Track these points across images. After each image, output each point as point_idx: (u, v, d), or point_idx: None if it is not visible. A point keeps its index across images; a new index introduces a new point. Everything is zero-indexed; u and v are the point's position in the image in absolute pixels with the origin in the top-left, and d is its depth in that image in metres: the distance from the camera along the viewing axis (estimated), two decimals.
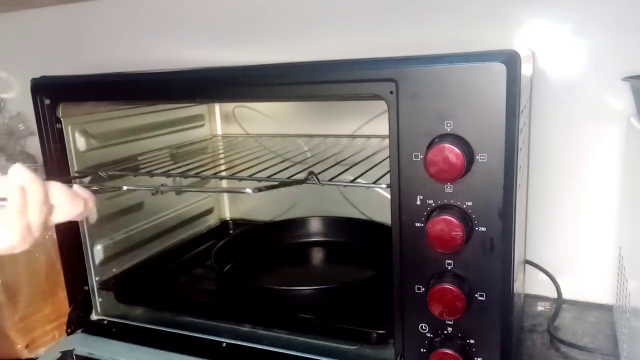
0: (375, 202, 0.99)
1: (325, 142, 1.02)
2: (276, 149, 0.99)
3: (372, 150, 0.89)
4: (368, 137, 1.01)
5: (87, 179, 0.81)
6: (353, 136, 1.03)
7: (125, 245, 0.91)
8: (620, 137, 0.82)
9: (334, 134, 1.04)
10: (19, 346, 0.88)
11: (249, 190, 0.65)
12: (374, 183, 0.68)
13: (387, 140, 0.57)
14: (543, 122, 0.85)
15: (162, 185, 0.79)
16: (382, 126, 0.61)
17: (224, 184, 1.12)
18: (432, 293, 0.56)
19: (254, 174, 0.79)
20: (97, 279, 0.85)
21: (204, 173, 0.82)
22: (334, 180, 0.72)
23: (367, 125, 1.02)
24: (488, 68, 0.51)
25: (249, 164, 0.85)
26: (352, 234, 0.99)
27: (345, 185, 0.72)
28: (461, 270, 0.56)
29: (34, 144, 1.31)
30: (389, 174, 0.58)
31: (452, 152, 0.51)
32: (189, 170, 0.84)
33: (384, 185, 0.62)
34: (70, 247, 0.82)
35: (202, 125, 1.14)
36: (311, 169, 0.71)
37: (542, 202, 0.88)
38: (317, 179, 0.68)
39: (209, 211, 1.14)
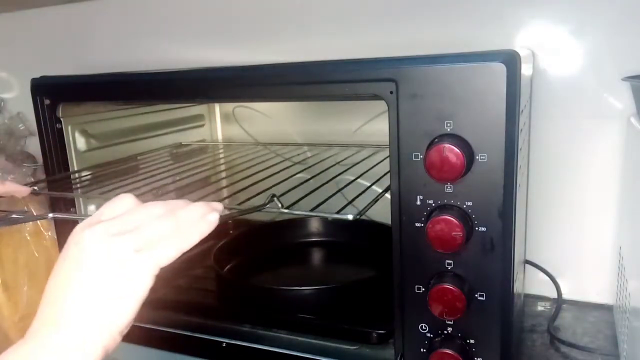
0: (375, 203, 0.99)
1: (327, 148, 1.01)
2: (275, 148, 0.99)
3: (368, 153, 0.89)
4: (364, 146, 0.99)
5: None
6: (347, 145, 1.01)
7: None
8: (620, 137, 0.82)
9: (334, 134, 1.04)
10: None
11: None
12: (340, 210, 0.64)
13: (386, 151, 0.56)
14: (543, 122, 0.85)
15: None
16: (382, 126, 0.61)
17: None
18: (432, 293, 0.56)
19: (253, 174, 0.79)
20: None
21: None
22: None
23: (367, 125, 1.02)
24: (488, 68, 0.51)
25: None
26: (352, 234, 0.99)
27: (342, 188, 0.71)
28: (461, 270, 0.56)
29: (34, 144, 1.31)
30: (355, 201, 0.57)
31: (452, 152, 0.51)
32: (187, 170, 0.84)
33: (350, 216, 0.59)
34: None
35: (202, 125, 1.14)
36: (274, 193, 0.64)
37: (542, 202, 0.88)
38: (280, 203, 0.61)
39: None
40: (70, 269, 0.42)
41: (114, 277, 0.41)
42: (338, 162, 0.84)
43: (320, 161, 0.88)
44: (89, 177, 0.82)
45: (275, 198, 0.61)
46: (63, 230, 0.82)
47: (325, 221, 1.03)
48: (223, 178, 0.88)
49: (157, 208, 0.45)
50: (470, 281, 0.56)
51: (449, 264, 0.56)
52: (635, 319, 0.62)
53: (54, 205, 0.81)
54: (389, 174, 0.57)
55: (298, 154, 0.96)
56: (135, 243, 0.42)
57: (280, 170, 0.82)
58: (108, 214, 0.45)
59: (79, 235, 0.43)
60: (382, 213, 0.76)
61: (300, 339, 0.71)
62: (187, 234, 0.44)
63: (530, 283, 0.91)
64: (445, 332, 0.58)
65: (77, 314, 0.41)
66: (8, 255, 0.92)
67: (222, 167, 0.94)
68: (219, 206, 0.47)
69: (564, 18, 0.83)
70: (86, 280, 0.41)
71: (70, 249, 0.43)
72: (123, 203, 0.46)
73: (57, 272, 0.43)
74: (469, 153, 0.52)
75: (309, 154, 0.96)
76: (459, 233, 0.53)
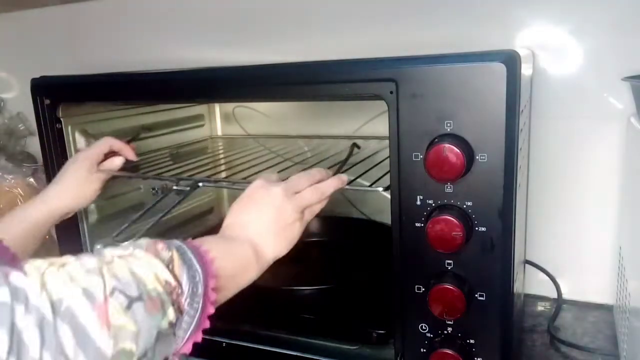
0: (375, 202, 0.99)
1: (325, 142, 1.02)
2: (276, 149, 0.99)
3: (372, 150, 0.89)
4: (367, 138, 1.01)
5: None
6: (352, 137, 1.02)
7: None
8: (620, 137, 0.82)
9: (334, 134, 1.04)
10: None
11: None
12: (370, 185, 0.67)
13: (386, 141, 0.57)
14: (543, 122, 0.85)
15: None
16: (382, 126, 0.61)
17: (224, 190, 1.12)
18: (432, 293, 0.56)
19: (253, 174, 0.79)
20: None
21: (199, 175, 0.82)
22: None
23: (367, 125, 1.02)
24: (488, 68, 0.51)
25: (248, 165, 0.85)
26: (352, 234, 0.99)
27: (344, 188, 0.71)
28: (461, 270, 0.56)
29: (34, 144, 1.31)
30: (388, 175, 0.58)
31: (452, 152, 0.51)
32: (186, 171, 0.84)
33: (380, 189, 0.63)
34: (70, 247, 0.82)
35: (202, 125, 1.14)
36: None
37: (542, 201, 0.88)
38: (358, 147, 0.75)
39: (209, 211, 1.14)
40: (260, 205, 0.57)
41: (285, 215, 0.57)
42: (339, 162, 0.84)
43: (321, 161, 0.88)
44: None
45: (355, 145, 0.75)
46: (63, 230, 0.82)
47: (325, 221, 1.03)
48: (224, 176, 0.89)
49: (303, 177, 0.61)
50: (470, 281, 0.56)
51: (449, 264, 0.56)
52: (635, 319, 0.62)
53: None
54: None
55: (299, 154, 0.96)
56: (296, 199, 0.58)
57: (284, 169, 0.82)
58: (268, 179, 0.60)
59: (266, 186, 0.58)
60: (382, 213, 0.77)
61: (300, 339, 0.71)
62: (323, 189, 0.61)
63: (530, 283, 0.91)
64: (445, 332, 0.58)
65: (260, 235, 0.56)
66: None
67: (223, 166, 0.94)
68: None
69: (564, 18, 0.83)
70: (269, 213, 0.57)
71: (259, 193, 0.58)
72: (273, 176, 0.62)
73: (246, 206, 0.58)
74: (469, 153, 0.52)
75: (309, 155, 0.96)
76: (459, 233, 0.53)
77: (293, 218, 0.58)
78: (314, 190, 0.60)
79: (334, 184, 0.62)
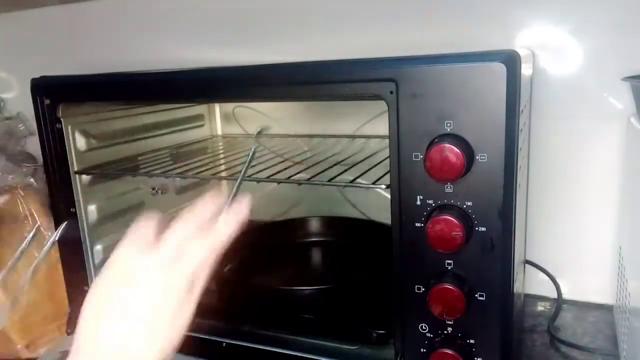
0: (375, 202, 0.99)
1: (326, 142, 1.02)
2: (276, 149, 0.99)
3: (372, 150, 0.89)
4: (368, 137, 1.01)
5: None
6: (353, 136, 1.03)
7: None
8: (620, 137, 0.82)
9: (334, 134, 1.05)
10: (19, 346, 0.88)
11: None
12: (373, 183, 0.68)
13: (387, 140, 0.57)
14: (543, 122, 0.85)
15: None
16: (382, 126, 0.61)
17: (224, 184, 1.12)
18: (432, 293, 0.56)
19: (254, 174, 0.79)
20: None
21: (204, 173, 0.82)
22: (333, 180, 0.72)
23: (367, 125, 1.02)
24: (488, 68, 0.51)
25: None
26: (352, 234, 0.99)
27: (345, 186, 0.72)
28: (461, 270, 0.56)
29: (34, 144, 1.30)
30: (388, 174, 0.58)
31: (452, 152, 0.51)
32: (188, 170, 0.84)
33: (384, 186, 0.63)
34: (70, 247, 0.82)
35: (202, 125, 1.14)
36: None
37: (542, 201, 0.88)
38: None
39: None
40: (126, 298, 0.42)
41: (169, 297, 0.42)
42: (338, 162, 0.84)
43: (322, 160, 0.88)
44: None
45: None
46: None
47: (325, 221, 1.03)
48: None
49: (188, 221, 0.47)
50: (470, 281, 0.56)
51: (449, 264, 0.56)
52: (635, 319, 0.62)
53: (54, 204, 0.81)
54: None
55: (299, 154, 0.96)
56: (183, 264, 0.44)
57: (285, 169, 0.82)
58: (140, 235, 0.47)
59: (133, 260, 0.44)
60: (382, 213, 0.76)
61: (300, 339, 0.71)
62: (214, 240, 0.47)
63: (530, 283, 0.91)
64: (445, 332, 0.58)
65: (129, 348, 0.40)
66: (8, 255, 0.92)
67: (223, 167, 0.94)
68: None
69: (564, 18, 0.83)
70: (145, 307, 0.42)
71: (122, 276, 0.43)
72: (149, 230, 0.48)
73: (103, 306, 0.43)
74: (469, 153, 0.52)
75: (309, 154, 0.96)
76: (459, 233, 0.53)
77: (182, 293, 0.43)
78: (205, 245, 0.46)
79: (227, 228, 0.48)
